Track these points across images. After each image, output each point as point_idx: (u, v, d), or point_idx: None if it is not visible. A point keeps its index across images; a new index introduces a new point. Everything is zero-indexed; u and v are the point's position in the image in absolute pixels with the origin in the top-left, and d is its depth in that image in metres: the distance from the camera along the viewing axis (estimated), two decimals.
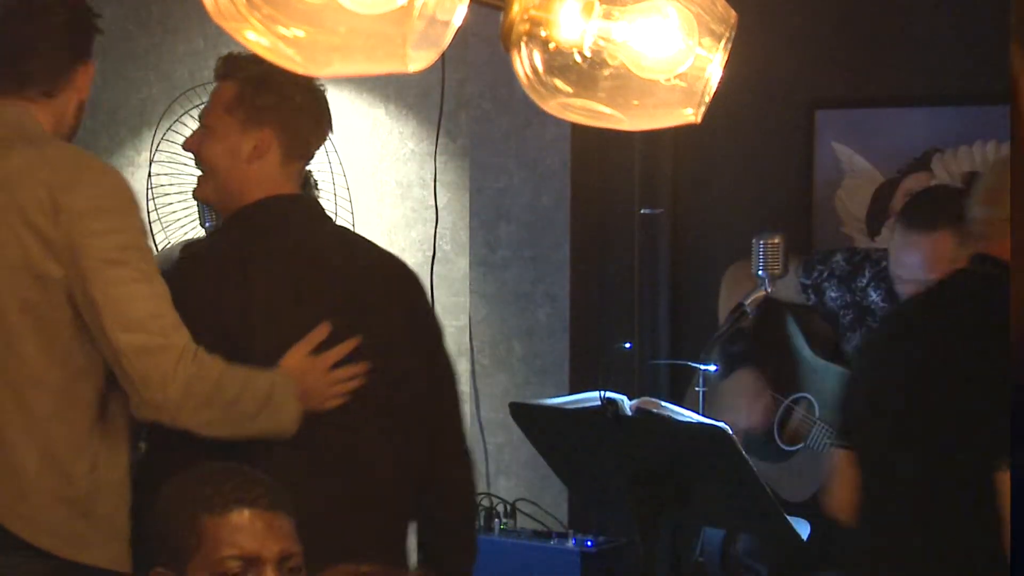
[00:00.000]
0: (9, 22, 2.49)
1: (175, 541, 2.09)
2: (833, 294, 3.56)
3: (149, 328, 2.39)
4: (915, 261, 3.26)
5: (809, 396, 3.51)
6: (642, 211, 4.21)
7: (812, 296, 3.58)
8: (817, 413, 3.45)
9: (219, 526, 2.07)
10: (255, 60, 2.00)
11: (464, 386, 4.52)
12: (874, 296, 3.49)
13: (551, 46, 1.93)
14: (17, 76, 2.49)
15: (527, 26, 1.92)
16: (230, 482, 2.11)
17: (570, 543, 3.54)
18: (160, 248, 5.03)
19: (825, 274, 3.55)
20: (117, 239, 2.42)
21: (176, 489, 2.15)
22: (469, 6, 1.75)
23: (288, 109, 2.62)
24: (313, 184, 4.13)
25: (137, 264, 2.43)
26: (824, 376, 3.52)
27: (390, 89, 4.71)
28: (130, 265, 2.42)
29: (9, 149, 2.45)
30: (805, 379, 3.55)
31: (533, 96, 1.98)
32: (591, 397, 2.88)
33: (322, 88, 2.71)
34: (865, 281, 3.50)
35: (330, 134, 2.83)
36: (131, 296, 2.40)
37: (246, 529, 2.08)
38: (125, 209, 2.47)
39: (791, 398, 3.55)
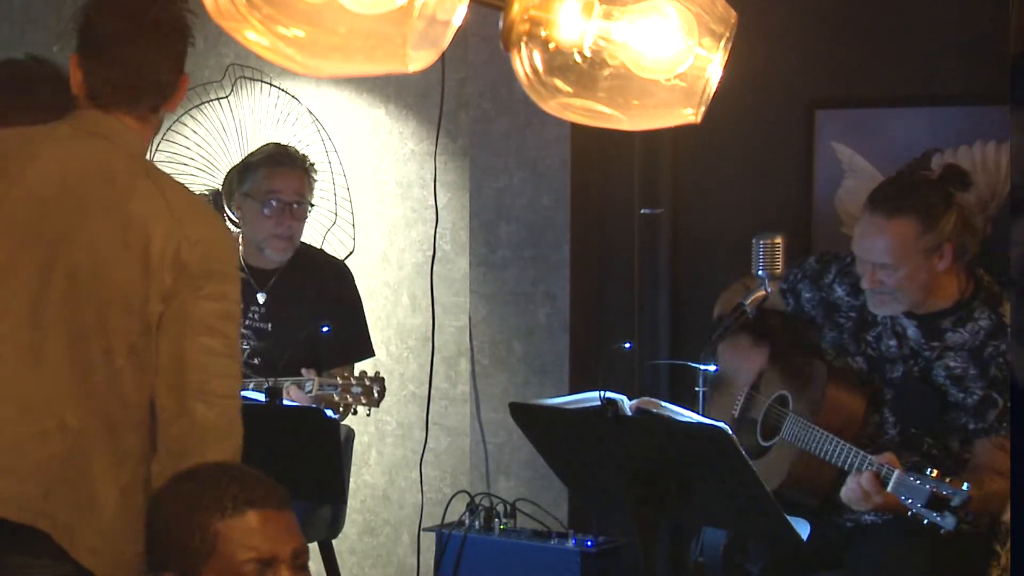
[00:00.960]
0: (134, 41, 2.51)
1: (185, 547, 2.08)
2: (807, 295, 3.57)
3: (222, 409, 2.43)
4: (878, 245, 3.28)
5: (786, 393, 3.52)
6: (642, 211, 4.21)
7: (791, 300, 3.60)
8: (791, 406, 3.46)
9: (233, 530, 2.07)
10: None
11: (464, 386, 4.53)
12: (839, 291, 3.51)
13: (551, 46, 1.93)
14: (135, 93, 2.51)
15: (527, 26, 1.92)
16: (235, 484, 2.11)
17: (570, 543, 3.54)
18: None
19: (799, 276, 3.57)
20: (221, 307, 2.45)
21: (179, 494, 2.14)
22: (469, 6, 1.75)
23: None
24: (308, 168, 4.12)
25: (229, 336, 2.47)
26: (801, 370, 3.53)
27: (390, 89, 4.71)
28: (225, 337, 2.45)
29: (134, 183, 2.46)
30: (785, 376, 3.56)
31: (533, 96, 1.98)
32: (591, 397, 2.88)
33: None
34: (831, 277, 3.52)
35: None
36: (219, 370, 2.43)
37: (260, 531, 2.09)
38: (233, 276, 2.51)
39: (773, 396, 3.55)
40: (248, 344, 4.03)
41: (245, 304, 4.03)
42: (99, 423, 2.41)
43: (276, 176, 4.01)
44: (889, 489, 3.05)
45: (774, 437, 3.48)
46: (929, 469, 3.00)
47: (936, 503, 2.96)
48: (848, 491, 3.15)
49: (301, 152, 4.19)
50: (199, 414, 2.39)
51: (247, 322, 4.03)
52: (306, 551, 2.15)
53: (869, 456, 3.14)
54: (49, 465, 2.38)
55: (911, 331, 3.38)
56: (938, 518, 2.95)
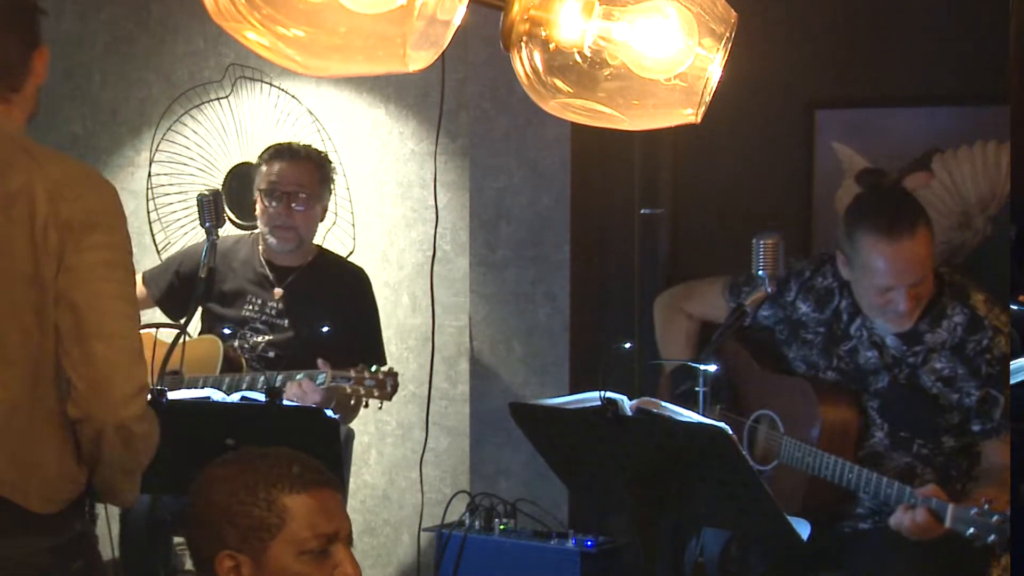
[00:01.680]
0: None
1: (251, 522, 2.12)
2: (765, 312, 3.55)
3: (122, 347, 2.55)
4: (914, 265, 3.25)
5: (770, 413, 3.50)
6: (642, 211, 4.21)
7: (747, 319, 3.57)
8: (781, 428, 3.45)
9: (302, 505, 2.14)
10: None
11: (464, 386, 4.52)
12: (804, 308, 3.49)
13: (551, 46, 1.93)
14: None
15: (527, 26, 1.92)
16: (297, 463, 2.17)
17: (570, 543, 3.54)
18: (161, 248, 5.04)
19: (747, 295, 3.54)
20: (109, 256, 2.57)
21: (237, 471, 2.17)
22: (469, 6, 1.75)
23: None
24: (318, 160, 4.15)
25: (121, 282, 2.59)
26: (782, 389, 3.51)
27: (390, 89, 4.71)
28: (118, 282, 2.57)
29: (10, 160, 2.56)
30: (764, 396, 3.55)
31: (533, 96, 1.98)
32: (591, 397, 2.88)
33: None
34: (792, 295, 3.50)
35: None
36: (113, 311, 2.55)
37: (326, 509, 2.16)
38: (118, 227, 2.62)
39: (753, 416, 3.54)
40: (263, 338, 4.06)
41: (263, 300, 4.09)
42: (24, 387, 2.53)
43: (276, 168, 4.10)
44: (948, 525, 3.05)
45: (772, 460, 3.46)
46: (986, 501, 3.01)
47: (999, 529, 3.00)
48: (903, 526, 3.13)
49: (313, 148, 4.23)
50: (99, 353, 2.51)
51: (264, 318, 4.08)
52: (351, 532, 2.22)
53: (908, 488, 3.13)
54: None
55: (889, 340, 3.36)
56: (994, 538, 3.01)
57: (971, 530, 3.02)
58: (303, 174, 4.09)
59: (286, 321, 4.08)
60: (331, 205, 4.75)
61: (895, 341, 3.36)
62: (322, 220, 4.22)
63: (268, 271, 4.14)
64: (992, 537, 3.00)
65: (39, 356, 2.54)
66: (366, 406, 3.80)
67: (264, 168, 4.12)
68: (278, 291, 4.11)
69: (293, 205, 4.05)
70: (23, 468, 2.54)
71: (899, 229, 3.24)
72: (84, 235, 2.52)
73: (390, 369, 3.79)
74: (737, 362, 3.62)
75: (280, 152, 4.14)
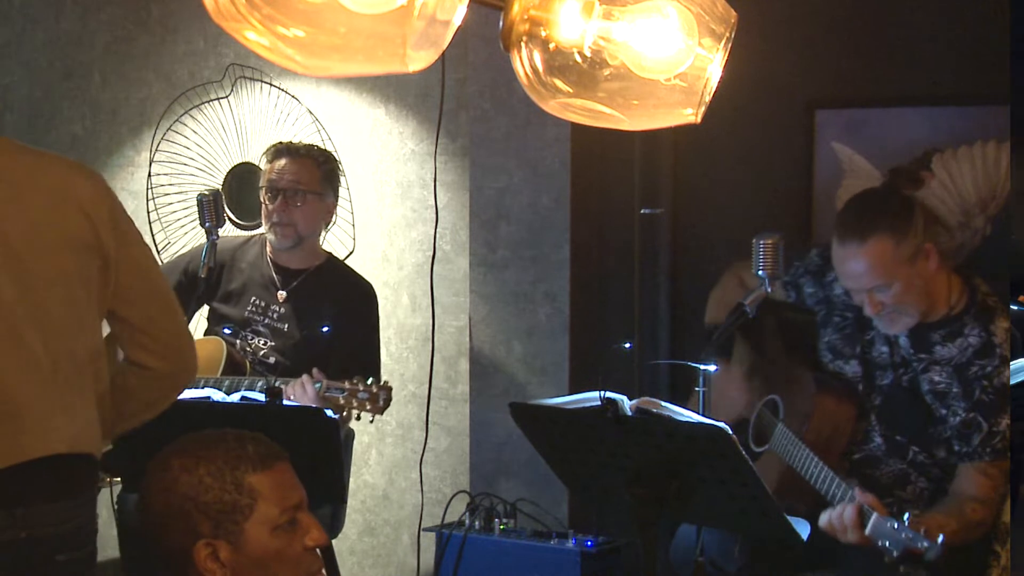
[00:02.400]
0: None
1: (222, 507, 2.14)
2: (809, 290, 3.56)
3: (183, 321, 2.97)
4: (862, 271, 3.24)
5: (776, 397, 3.51)
6: (642, 211, 4.21)
7: (792, 293, 3.58)
8: (781, 414, 3.46)
9: (267, 482, 2.17)
10: None
11: (464, 386, 4.52)
12: (838, 290, 3.49)
13: (551, 46, 1.93)
14: None
15: (527, 26, 1.92)
16: (249, 442, 2.20)
17: (570, 543, 3.54)
18: (160, 248, 5.04)
19: (801, 270, 3.55)
20: (142, 245, 2.84)
21: (196, 460, 2.17)
22: (469, 6, 1.75)
23: None
24: (317, 157, 4.15)
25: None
26: (790, 377, 3.52)
27: (390, 89, 4.71)
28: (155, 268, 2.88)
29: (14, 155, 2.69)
30: (776, 381, 3.56)
31: (533, 96, 1.98)
32: (591, 397, 2.88)
33: None
34: (832, 275, 3.50)
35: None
36: (170, 295, 2.92)
37: (286, 482, 2.20)
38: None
39: (764, 401, 3.55)
40: (263, 341, 4.06)
41: (266, 302, 4.09)
42: (64, 344, 2.70)
43: (276, 166, 4.10)
44: (867, 532, 3.02)
45: (765, 443, 3.47)
46: (908, 515, 2.97)
47: (910, 557, 2.95)
48: (827, 520, 3.12)
49: (316, 146, 4.22)
50: (177, 322, 2.93)
51: (266, 320, 4.08)
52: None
53: (853, 490, 3.11)
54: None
55: (902, 339, 3.36)
56: (909, 572, 2.97)
57: (885, 542, 2.99)
58: (302, 171, 4.08)
59: (287, 325, 4.07)
60: None
61: (906, 342, 3.35)
62: (329, 220, 4.19)
63: (274, 273, 4.13)
64: (895, 553, 2.95)
65: (83, 318, 2.70)
66: (358, 419, 3.79)
67: (266, 167, 4.13)
68: (282, 294, 4.11)
69: (291, 202, 4.05)
70: (77, 420, 2.69)
71: (851, 234, 3.23)
72: (123, 225, 2.76)
73: (384, 383, 3.76)
74: (765, 344, 3.62)
75: (280, 151, 4.13)
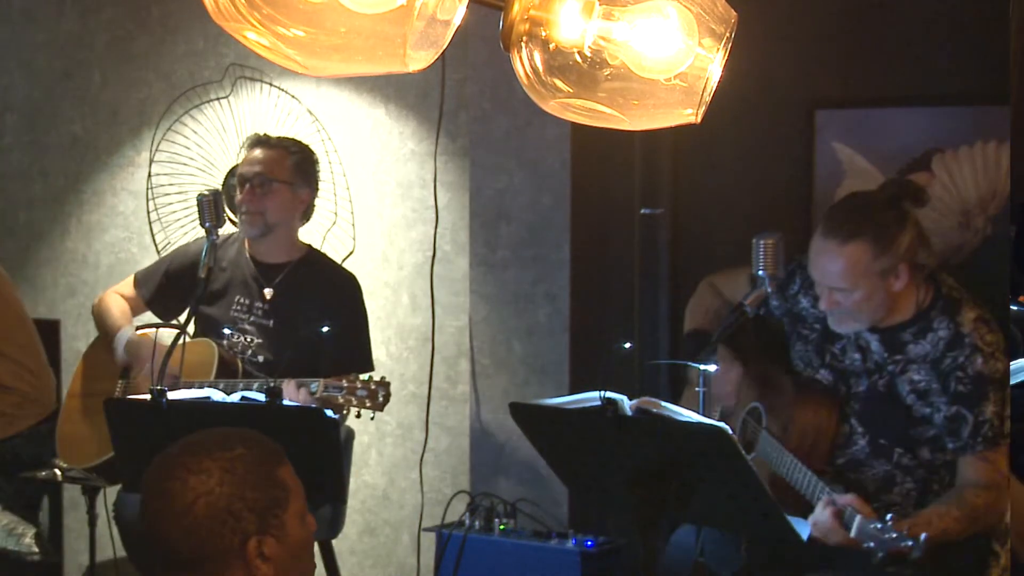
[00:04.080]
0: None
1: (265, 502, 2.16)
2: (774, 302, 3.57)
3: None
4: (832, 269, 3.25)
5: (759, 405, 3.51)
6: (642, 211, 4.21)
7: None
8: (764, 422, 3.46)
9: (289, 474, 2.22)
10: None
11: (464, 386, 4.53)
12: (804, 303, 3.50)
13: (551, 46, 1.93)
14: None
15: (527, 26, 1.92)
16: (263, 438, 2.23)
17: (570, 543, 3.54)
18: (161, 248, 5.04)
19: None
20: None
21: (231, 460, 2.17)
22: (469, 6, 1.75)
23: None
24: (288, 147, 4.15)
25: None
26: (771, 384, 3.52)
27: (390, 89, 4.71)
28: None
29: None
30: (758, 388, 3.56)
31: (533, 96, 1.98)
32: (591, 397, 2.88)
33: None
34: (796, 288, 3.51)
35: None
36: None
37: (293, 475, 2.24)
38: None
39: (747, 408, 3.55)
40: (252, 341, 4.04)
41: (250, 300, 4.08)
42: None
43: (246, 157, 4.13)
44: (852, 534, 3.02)
45: (751, 452, 3.47)
46: (890, 516, 2.96)
47: (896, 557, 2.95)
48: (814, 524, 3.11)
49: (290, 138, 4.22)
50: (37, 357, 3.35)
51: (252, 318, 4.06)
52: None
53: (834, 495, 3.11)
54: None
55: (874, 345, 3.37)
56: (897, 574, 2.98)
57: (870, 544, 2.99)
58: (271, 160, 4.07)
59: (272, 322, 4.06)
60: (331, 205, 4.76)
61: (878, 347, 3.36)
62: (304, 211, 4.15)
63: (255, 270, 4.12)
64: (881, 555, 2.94)
65: None
66: (357, 416, 3.79)
67: (241, 159, 4.16)
68: (267, 291, 4.09)
69: (259, 190, 4.03)
70: None
71: (834, 232, 3.24)
72: None
73: (382, 379, 3.75)
74: (746, 352, 3.63)
75: (254, 142, 4.15)
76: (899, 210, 3.29)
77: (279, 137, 4.20)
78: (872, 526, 2.97)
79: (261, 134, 4.21)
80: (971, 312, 3.28)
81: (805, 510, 3.21)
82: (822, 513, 3.08)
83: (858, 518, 3.01)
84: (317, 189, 4.18)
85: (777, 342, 3.60)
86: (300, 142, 4.21)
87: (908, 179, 3.65)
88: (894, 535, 2.92)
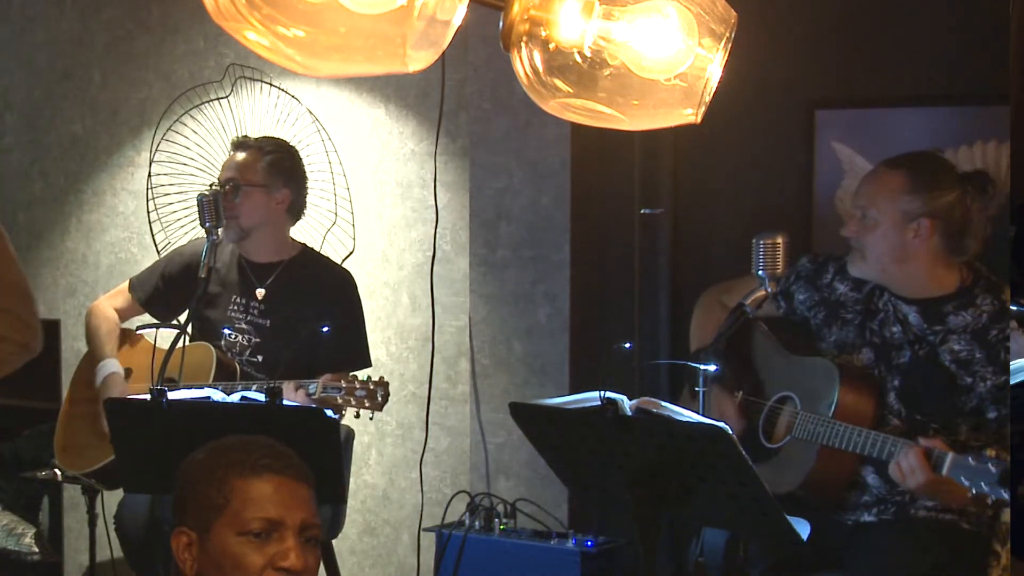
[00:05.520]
0: None
1: (203, 501, 2.21)
2: (801, 296, 3.60)
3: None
4: (867, 189, 3.41)
5: (791, 394, 3.52)
6: (642, 211, 4.21)
7: (782, 303, 3.62)
8: (799, 407, 3.47)
9: (248, 488, 2.20)
10: None
11: (464, 386, 4.52)
12: (841, 288, 3.55)
13: (551, 46, 1.93)
14: None
15: (527, 26, 1.92)
16: (260, 450, 2.24)
17: (570, 543, 3.54)
18: (161, 248, 5.04)
19: (792, 278, 3.59)
20: None
21: (207, 454, 2.26)
22: (469, 6, 1.75)
23: None
24: (263, 150, 4.13)
25: None
26: (807, 371, 3.53)
27: (390, 89, 4.71)
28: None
29: None
30: (788, 379, 3.57)
31: (533, 96, 1.98)
32: (591, 397, 2.88)
33: None
34: (830, 277, 3.55)
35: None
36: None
37: (273, 495, 2.21)
38: None
39: (775, 398, 3.55)
40: (249, 340, 4.04)
41: (244, 300, 4.07)
42: None
43: (225, 162, 4.13)
44: (945, 472, 3.07)
45: (779, 439, 3.47)
46: (985, 450, 3.05)
47: (1003, 479, 2.99)
48: (892, 469, 3.16)
49: (269, 138, 4.21)
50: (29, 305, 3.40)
51: (248, 318, 4.06)
52: (317, 527, 2.25)
53: (907, 442, 3.16)
54: None
55: (912, 317, 3.41)
56: (1002, 492, 3.00)
57: (966, 480, 3.02)
58: (242, 164, 4.06)
59: (268, 321, 4.06)
60: (331, 205, 4.75)
61: (917, 319, 3.41)
62: (287, 209, 4.12)
63: (248, 270, 4.11)
64: (983, 486, 2.99)
65: None
66: (357, 416, 3.78)
67: None
68: (260, 291, 4.08)
69: (231, 195, 4.02)
70: None
71: (890, 160, 3.41)
72: None
73: (381, 379, 3.75)
74: (764, 348, 3.64)
75: (235, 144, 4.15)
76: (958, 175, 3.41)
77: (258, 138, 4.19)
78: (966, 460, 3.03)
79: (242, 136, 4.22)
80: (1007, 296, 3.36)
81: (845, 495, 3.30)
82: (906, 456, 3.12)
83: (950, 455, 3.07)
84: (303, 187, 4.16)
85: (805, 331, 3.62)
86: (278, 141, 4.19)
87: (986, 172, 3.71)
88: (992, 469, 2.96)
